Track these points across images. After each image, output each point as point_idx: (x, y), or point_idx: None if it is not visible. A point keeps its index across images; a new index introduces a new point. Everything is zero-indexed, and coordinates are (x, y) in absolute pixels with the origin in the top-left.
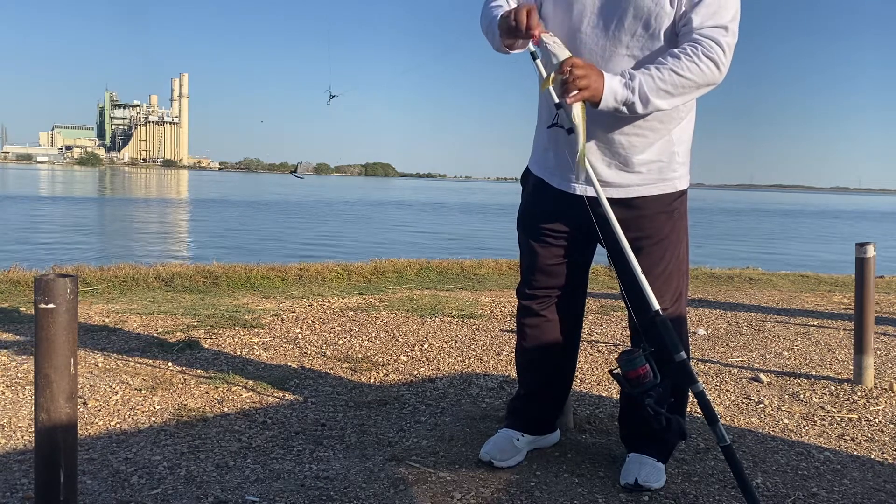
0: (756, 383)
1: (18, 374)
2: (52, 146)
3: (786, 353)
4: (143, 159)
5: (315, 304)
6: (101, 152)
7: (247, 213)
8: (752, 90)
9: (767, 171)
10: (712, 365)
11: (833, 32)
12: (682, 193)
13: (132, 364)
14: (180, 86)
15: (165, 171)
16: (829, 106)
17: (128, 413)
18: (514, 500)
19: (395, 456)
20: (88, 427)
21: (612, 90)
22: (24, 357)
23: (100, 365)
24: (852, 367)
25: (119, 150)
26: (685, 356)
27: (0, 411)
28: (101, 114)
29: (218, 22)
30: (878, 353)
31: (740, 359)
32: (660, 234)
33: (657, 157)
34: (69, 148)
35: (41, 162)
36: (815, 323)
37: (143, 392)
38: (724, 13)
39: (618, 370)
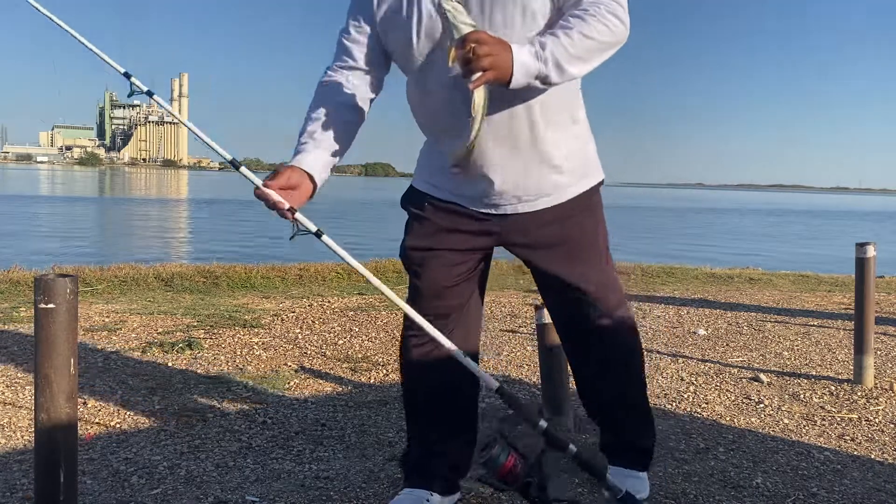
0: (756, 383)
1: (18, 374)
2: (52, 146)
3: (786, 353)
4: (143, 159)
5: (315, 304)
6: (101, 152)
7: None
8: (751, 89)
9: (767, 171)
10: (712, 365)
11: (831, 31)
12: (600, 183)
13: (132, 364)
14: (180, 86)
15: (165, 171)
16: (830, 106)
17: (128, 413)
18: (513, 499)
19: (395, 456)
20: (88, 427)
21: (523, 65)
22: (24, 357)
23: (100, 365)
24: (852, 367)
25: (119, 150)
26: (545, 424)
27: (0, 411)
28: (101, 114)
29: (218, 22)
30: (878, 353)
31: (740, 359)
32: (586, 232)
33: (577, 149)
34: (69, 148)
35: (41, 162)
36: (815, 323)
37: (143, 392)
38: None
39: (485, 475)
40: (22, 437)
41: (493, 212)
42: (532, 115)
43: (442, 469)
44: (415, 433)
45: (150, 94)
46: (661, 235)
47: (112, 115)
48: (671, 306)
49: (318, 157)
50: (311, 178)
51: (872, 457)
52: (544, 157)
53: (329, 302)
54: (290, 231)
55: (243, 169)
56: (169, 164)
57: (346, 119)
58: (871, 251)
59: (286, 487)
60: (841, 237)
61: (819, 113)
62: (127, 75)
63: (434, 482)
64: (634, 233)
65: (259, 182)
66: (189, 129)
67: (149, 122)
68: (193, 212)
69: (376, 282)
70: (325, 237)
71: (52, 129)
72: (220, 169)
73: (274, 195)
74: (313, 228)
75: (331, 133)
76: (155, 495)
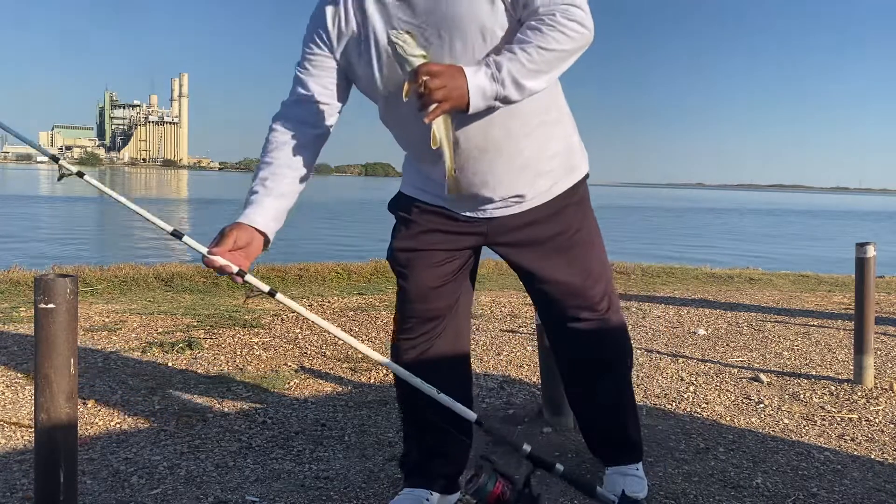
0: (756, 383)
1: (18, 374)
2: (52, 146)
3: (786, 353)
4: (143, 159)
5: (315, 304)
6: (101, 152)
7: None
8: (751, 89)
9: (767, 171)
10: (712, 365)
11: (831, 31)
12: (585, 177)
13: (132, 364)
14: (180, 86)
15: (165, 171)
16: (830, 106)
17: (128, 413)
18: None
19: (395, 456)
20: (88, 427)
21: (480, 89)
22: (24, 357)
23: (100, 365)
24: (852, 367)
25: (119, 150)
26: (528, 448)
27: (0, 411)
28: (101, 114)
29: (218, 22)
30: (878, 353)
31: (740, 359)
32: (572, 228)
33: (561, 148)
34: (69, 148)
35: (41, 162)
36: (815, 323)
37: (143, 392)
38: None
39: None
40: (22, 437)
41: (481, 215)
42: (509, 127)
43: (442, 469)
44: (412, 434)
45: (80, 174)
46: (661, 235)
47: (112, 114)
48: (671, 306)
49: (269, 206)
50: (261, 231)
51: (872, 457)
52: (528, 163)
53: (329, 302)
54: (245, 292)
55: (186, 238)
56: (169, 163)
57: (300, 156)
58: (871, 251)
59: (286, 487)
60: (841, 237)
61: (819, 113)
62: (55, 158)
63: (434, 482)
64: (634, 233)
65: (204, 250)
66: (132, 209)
67: (149, 122)
68: (194, 212)
69: (339, 333)
70: (279, 295)
71: (52, 129)
72: (219, 169)
73: (220, 261)
74: (266, 289)
75: (284, 175)
76: (155, 495)
